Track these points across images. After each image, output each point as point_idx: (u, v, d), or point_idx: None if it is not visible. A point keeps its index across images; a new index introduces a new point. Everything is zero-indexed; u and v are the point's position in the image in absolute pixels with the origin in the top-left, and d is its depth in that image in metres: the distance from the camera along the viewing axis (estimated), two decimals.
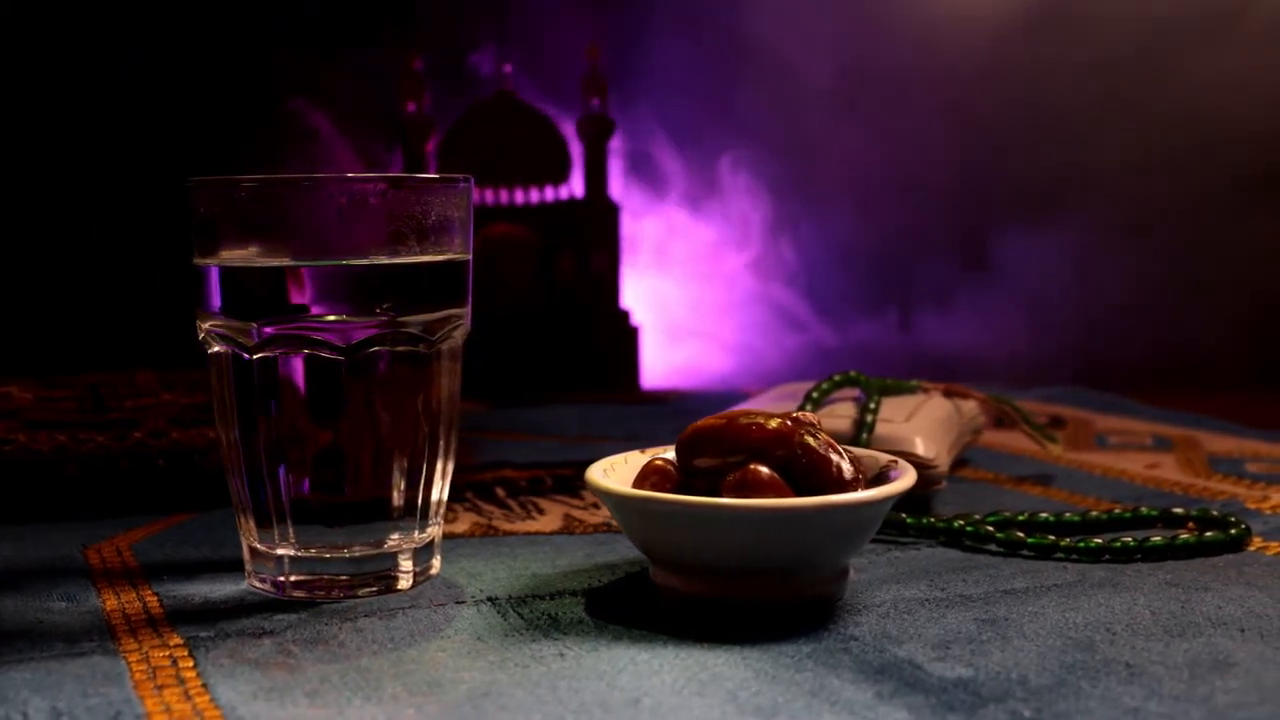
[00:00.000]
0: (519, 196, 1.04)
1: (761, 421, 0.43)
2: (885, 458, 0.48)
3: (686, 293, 1.19)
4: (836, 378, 0.64)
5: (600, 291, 1.05)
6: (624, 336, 1.06)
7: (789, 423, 0.43)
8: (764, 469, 0.42)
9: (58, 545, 0.53)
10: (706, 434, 0.44)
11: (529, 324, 1.04)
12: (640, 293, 1.15)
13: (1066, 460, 0.71)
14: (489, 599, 0.45)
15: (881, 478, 0.46)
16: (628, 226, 1.09)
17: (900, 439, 0.59)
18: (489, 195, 1.03)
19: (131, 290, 0.90)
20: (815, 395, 0.62)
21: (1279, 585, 0.45)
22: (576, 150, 1.05)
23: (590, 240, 1.04)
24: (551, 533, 0.56)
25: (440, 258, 0.47)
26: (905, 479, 0.44)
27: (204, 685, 0.36)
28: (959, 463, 0.71)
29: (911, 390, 0.67)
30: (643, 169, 1.16)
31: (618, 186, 1.08)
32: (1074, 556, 0.50)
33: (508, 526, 0.57)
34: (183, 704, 0.35)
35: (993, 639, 0.40)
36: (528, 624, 0.42)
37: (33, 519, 0.57)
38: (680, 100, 1.17)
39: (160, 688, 0.36)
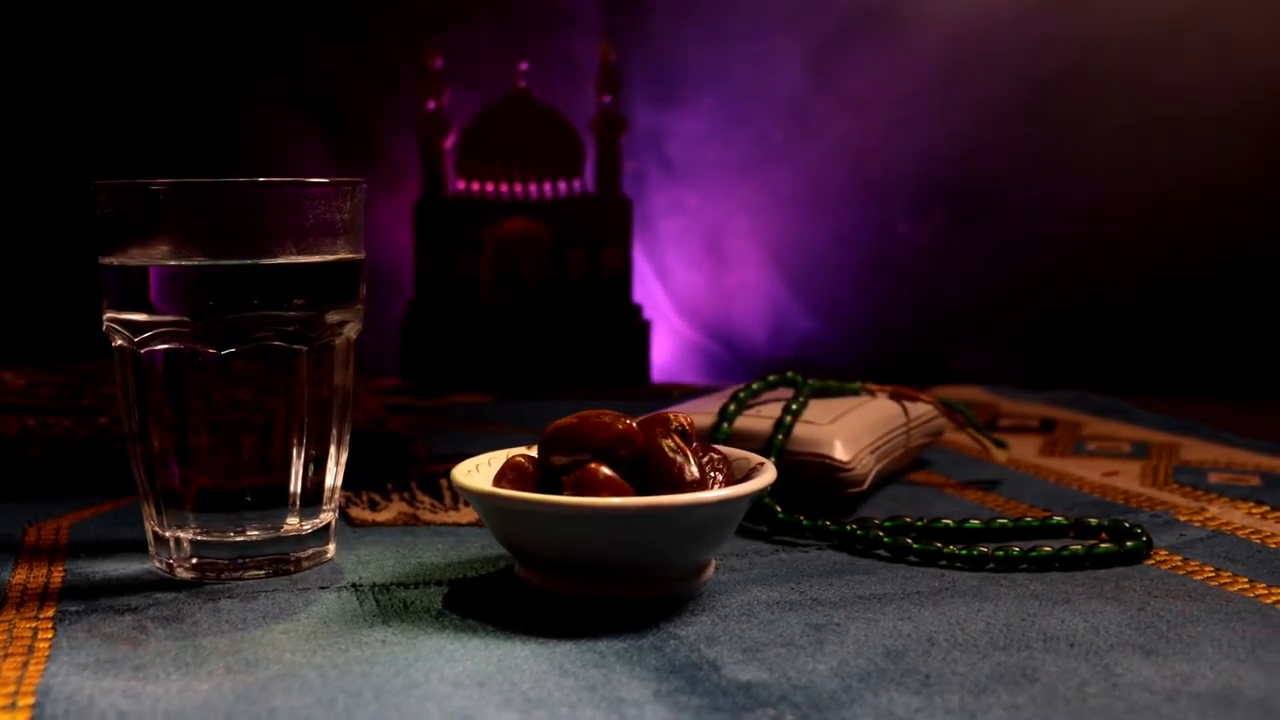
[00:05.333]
0: (533, 191, 1.06)
1: (609, 421, 0.44)
2: (756, 459, 0.48)
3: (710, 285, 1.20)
4: (771, 378, 0.64)
5: (612, 287, 1.06)
6: (635, 331, 1.07)
7: (633, 424, 0.44)
8: (604, 469, 0.43)
9: (4, 523, 0.57)
10: (562, 433, 0.45)
11: (542, 318, 1.05)
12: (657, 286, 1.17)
13: (1026, 465, 0.70)
14: (354, 585, 0.47)
15: (746, 479, 0.46)
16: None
17: (818, 441, 0.59)
18: (504, 189, 1.06)
19: None
20: (742, 395, 0.62)
21: (1141, 600, 0.44)
22: (589, 147, 1.07)
23: (603, 236, 1.05)
24: (467, 524, 0.57)
25: (331, 258, 0.49)
26: (750, 483, 0.44)
27: (48, 656, 0.39)
28: (917, 464, 0.71)
29: (854, 392, 0.66)
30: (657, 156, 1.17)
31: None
32: (958, 564, 0.49)
33: (429, 517, 0.59)
34: (13, 671, 0.38)
35: (808, 645, 0.40)
36: (381, 611, 0.44)
37: None
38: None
39: (6, 656, 0.39)
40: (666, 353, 1.19)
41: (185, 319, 0.47)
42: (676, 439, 0.45)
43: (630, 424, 0.44)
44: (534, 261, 1.05)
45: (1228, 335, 1.11)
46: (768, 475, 0.45)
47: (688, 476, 0.44)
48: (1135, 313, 1.14)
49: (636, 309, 1.07)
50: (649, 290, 1.17)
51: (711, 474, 0.46)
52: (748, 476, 0.47)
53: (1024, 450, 0.74)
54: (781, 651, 0.39)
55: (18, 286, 1.06)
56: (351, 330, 0.51)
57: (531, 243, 1.05)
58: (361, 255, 0.51)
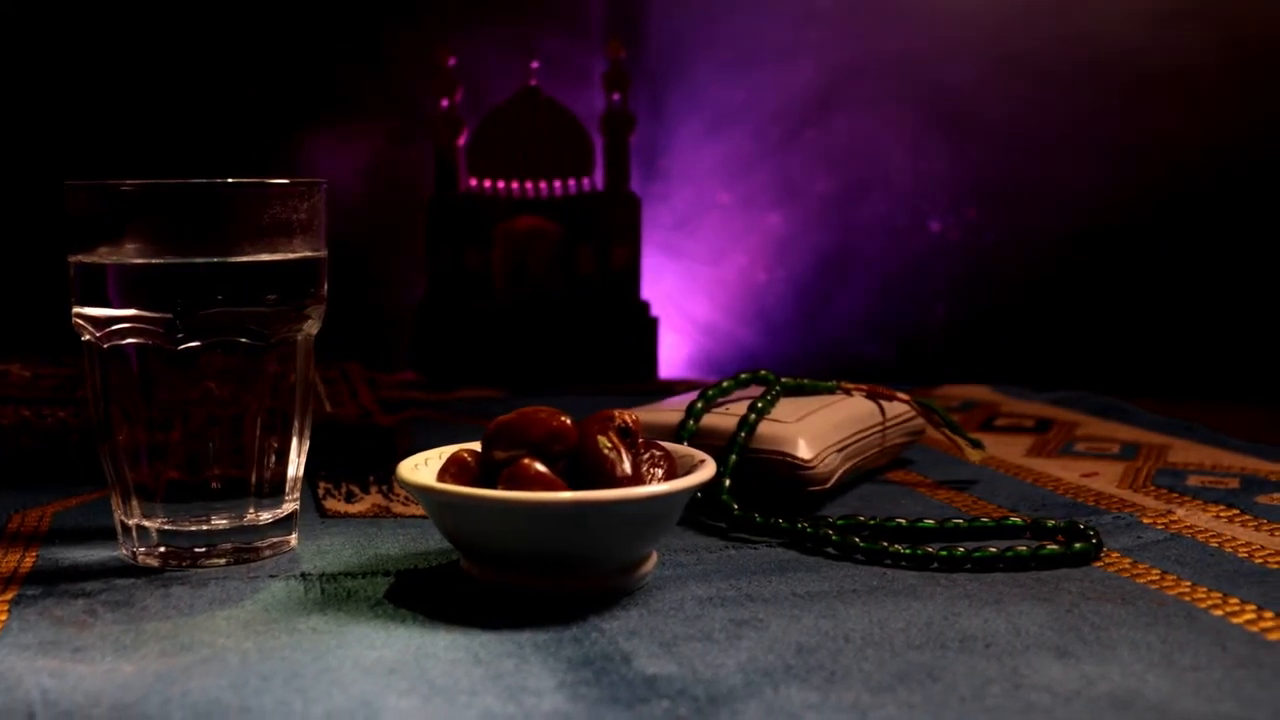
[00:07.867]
0: (544, 188, 1.07)
1: (545, 418, 0.45)
2: (699, 456, 0.49)
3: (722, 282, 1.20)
4: (743, 375, 0.65)
5: (620, 283, 1.07)
6: (643, 328, 1.07)
7: (567, 421, 0.45)
8: (536, 464, 0.44)
9: None
10: (502, 429, 0.46)
11: (551, 314, 1.07)
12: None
13: (1008, 466, 0.69)
14: (303, 574, 0.48)
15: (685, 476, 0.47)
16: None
17: (781, 439, 0.59)
18: (515, 187, 1.07)
19: None
20: (711, 393, 0.62)
21: (1072, 602, 0.44)
22: (598, 145, 1.07)
23: (611, 234, 1.06)
24: None
25: (292, 256, 0.50)
26: (678, 480, 0.44)
27: None
28: (900, 462, 0.71)
29: (829, 390, 0.66)
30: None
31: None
32: (903, 563, 0.50)
33: (400, 509, 0.60)
34: None
35: (724, 640, 0.40)
36: (324, 599, 0.45)
37: None
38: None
39: None
40: (676, 350, 1.19)
41: (149, 314, 0.48)
42: (614, 436, 0.46)
43: (564, 421, 0.45)
44: (544, 258, 1.07)
45: (1228, 336, 1.09)
46: (703, 473, 0.46)
47: (619, 473, 0.44)
48: (1135, 313, 1.13)
49: (644, 305, 1.08)
50: (658, 287, 1.17)
51: (651, 470, 0.47)
52: (688, 473, 0.47)
53: (1013, 450, 0.74)
54: (696, 646, 0.40)
55: (26, 283, 1.09)
56: (312, 326, 0.52)
57: (542, 240, 1.06)
58: (323, 253, 0.52)
